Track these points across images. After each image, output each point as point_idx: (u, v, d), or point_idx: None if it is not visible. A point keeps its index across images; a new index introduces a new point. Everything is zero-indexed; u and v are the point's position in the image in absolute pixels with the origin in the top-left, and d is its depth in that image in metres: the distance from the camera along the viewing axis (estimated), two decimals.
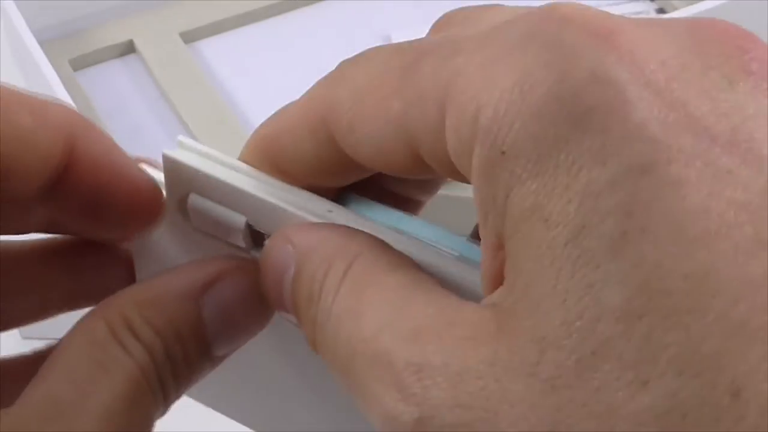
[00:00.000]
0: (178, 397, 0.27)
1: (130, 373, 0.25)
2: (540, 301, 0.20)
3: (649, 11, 0.70)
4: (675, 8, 0.67)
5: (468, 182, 0.23)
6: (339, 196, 0.28)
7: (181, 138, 0.28)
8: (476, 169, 0.22)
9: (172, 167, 0.28)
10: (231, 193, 0.27)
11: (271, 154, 0.27)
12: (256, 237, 0.28)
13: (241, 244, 0.28)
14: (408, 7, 0.68)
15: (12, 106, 0.26)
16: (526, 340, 0.20)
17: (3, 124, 0.26)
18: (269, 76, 0.65)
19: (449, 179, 0.25)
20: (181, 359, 0.26)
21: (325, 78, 0.26)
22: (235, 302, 0.27)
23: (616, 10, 0.69)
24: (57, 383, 0.25)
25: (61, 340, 0.26)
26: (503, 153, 0.21)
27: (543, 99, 0.21)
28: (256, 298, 0.27)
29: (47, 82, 0.59)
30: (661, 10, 0.69)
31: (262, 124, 0.27)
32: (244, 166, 0.27)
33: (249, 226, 0.27)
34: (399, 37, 0.66)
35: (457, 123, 0.22)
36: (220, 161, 0.27)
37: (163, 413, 0.26)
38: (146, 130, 0.64)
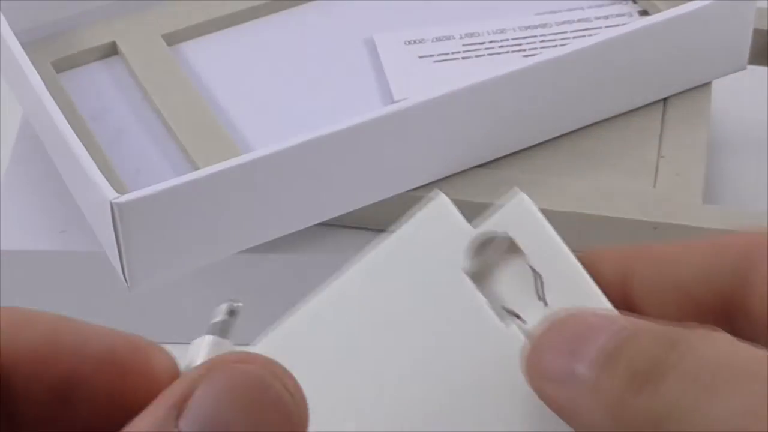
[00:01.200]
0: None
1: None
2: None
3: (632, 13, 0.70)
4: (658, 9, 0.67)
5: None
6: None
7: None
8: None
9: (514, 208, 0.29)
10: (553, 253, 0.29)
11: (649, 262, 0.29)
12: None
13: None
14: (391, 10, 0.68)
15: None
16: None
17: None
18: (253, 78, 0.65)
19: None
20: None
21: None
22: (219, 411, 0.23)
23: (597, 13, 0.70)
24: None
25: None
26: None
27: None
28: (247, 392, 0.23)
29: (30, 84, 0.58)
30: (644, 12, 0.69)
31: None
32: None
33: None
34: (381, 39, 0.66)
35: None
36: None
37: None
38: (129, 133, 0.64)
